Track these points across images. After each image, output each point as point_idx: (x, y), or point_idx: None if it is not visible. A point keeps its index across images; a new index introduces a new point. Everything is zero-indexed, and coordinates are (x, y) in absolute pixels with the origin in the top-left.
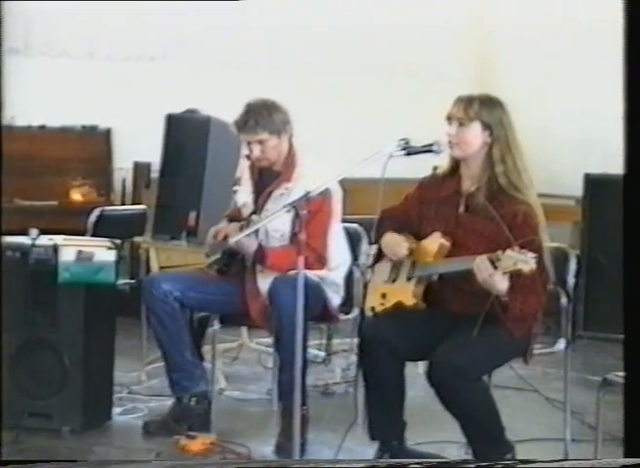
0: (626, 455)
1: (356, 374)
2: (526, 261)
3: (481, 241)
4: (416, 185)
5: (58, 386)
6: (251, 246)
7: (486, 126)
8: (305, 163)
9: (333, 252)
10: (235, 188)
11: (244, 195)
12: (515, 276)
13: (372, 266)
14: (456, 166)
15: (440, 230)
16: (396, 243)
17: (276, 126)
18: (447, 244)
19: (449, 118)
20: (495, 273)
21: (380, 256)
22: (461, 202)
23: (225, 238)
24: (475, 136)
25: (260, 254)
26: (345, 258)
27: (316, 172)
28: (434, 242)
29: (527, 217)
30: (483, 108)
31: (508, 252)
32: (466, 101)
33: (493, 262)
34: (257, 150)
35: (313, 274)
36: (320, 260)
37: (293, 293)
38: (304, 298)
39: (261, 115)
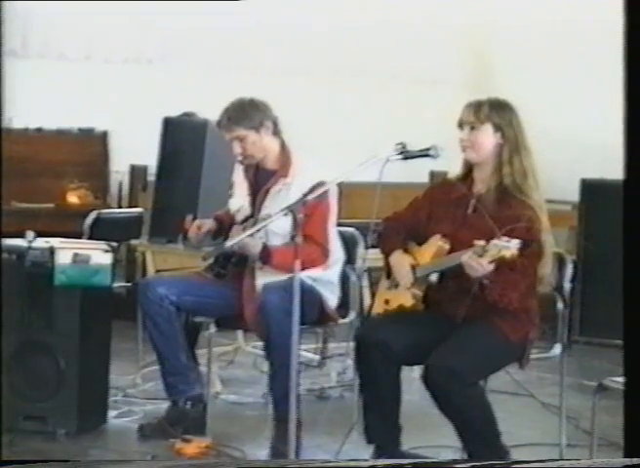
0: (626, 456)
1: (354, 378)
2: (508, 247)
3: (486, 239)
4: (422, 189)
5: (53, 389)
6: (255, 246)
7: (497, 127)
8: (302, 159)
9: (332, 246)
10: (230, 193)
11: (239, 199)
12: (501, 265)
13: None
14: (468, 170)
15: (447, 230)
16: (403, 268)
17: (252, 122)
18: (445, 246)
19: (460, 124)
20: (486, 265)
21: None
22: (471, 203)
23: (208, 232)
24: (487, 137)
25: (266, 254)
26: (340, 256)
27: (314, 167)
28: (432, 244)
29: (530, 222)
30: (493, 111)
31: (494, 241)
32: (476, 105)
33: (480, 255)
34: (237, 147)
35: (307, 276)
36: (325, 254)
37: (281, 302)
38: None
39: (236, 112)
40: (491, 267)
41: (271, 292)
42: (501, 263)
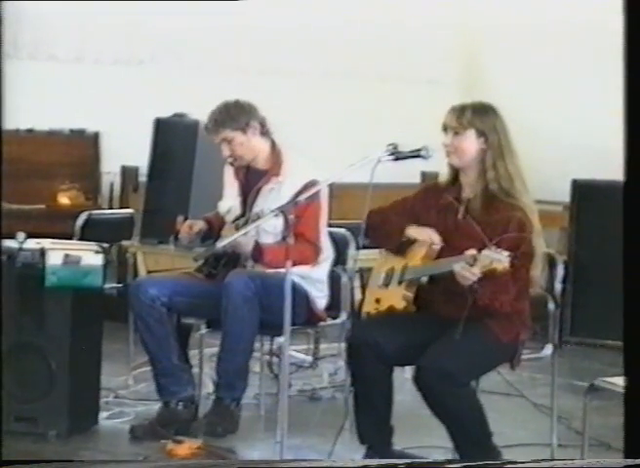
0: (626, 456)
1: (346, 379)
2: (500, 260)
3: (477, 245)
4: (414, 190)
5: (44, 390)
6: (247, 244)
7: (480, 133)
8: (293, 159)
9: (323, 243)
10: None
11: (228, 200)
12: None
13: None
14: (456, 175)
15: (441, 235)
16: (425, 230)
17: (238, 123)
18: (435, 247)
19: (444, 128)
20: (478, 273)
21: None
22: (461, 209)
23: (199, 232)
24: (470, 143)
25: (258, 252)
26: (329, 254)
27: (306, 166)
28: (423, 245)
29: (520, 224)
30: (476, 116)
31: (485, 251)
32: (459, 110)
33: (472, 264)
34: (226, 149)
35: (295, 274)
36: (316, 251)
37: (244, 289)
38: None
39: (221, 114)
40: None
41: (237, 278)
42: (493, 272)
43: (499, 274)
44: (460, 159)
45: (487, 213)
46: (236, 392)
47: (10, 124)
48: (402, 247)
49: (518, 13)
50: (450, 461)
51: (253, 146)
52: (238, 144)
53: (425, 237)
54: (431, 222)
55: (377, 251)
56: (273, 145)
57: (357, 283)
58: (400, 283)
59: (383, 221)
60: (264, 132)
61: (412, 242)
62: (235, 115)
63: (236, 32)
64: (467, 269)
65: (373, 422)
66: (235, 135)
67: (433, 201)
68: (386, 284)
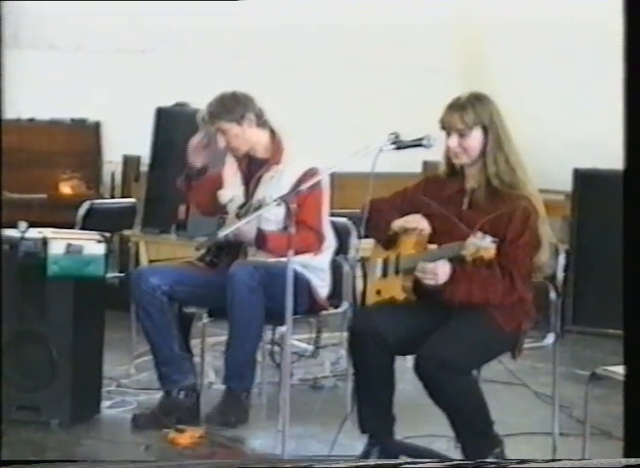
0: (626, 455)
1: (347, 368)
2: (486, 248)
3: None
4: (415, 179)
5: (46, 379)
6: (250, 232)
7: (483, 127)
8: (294, 146)
9: (326, 231)
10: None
11: (230, 190)
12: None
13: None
14: (460, 167)
15: (442, 227)
16: (414, 217)
17: (233, 115)
18: (425, 233)
19: (447, 128)
20: (439, 273)
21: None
22: (465, 200)
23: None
24: (476, 139)
25: (261, 239)
26: (332, 243)
27: (306, 154)
28: (412, 234)
29: (525, 213)
30: (476, 111)
31: (470, 239)
32: (461, 110)
33: (458, 253)
34: (221, 140)
35: (297, 262)
36: (319, 239)
37: (248, 279)
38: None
39: (217, 106)
40: (447, 269)
41: (241, 269)
42: (481, 262)
43: (486, 263)
44: (470, 157)
45: (492, 203)
46: (246, 381)
47: (11, 113)
48: (390, 240)
49: (518, 11)
50: (458, 464)
51: (248, 138)
52: (233, 136)
53: (413, 224)
54: (433, 214)
55: None
56: (273, 135)
57: (359, 272)
58: (397, 273)
59: (376, 213)
60: (261, 123)
61: (402, 233)
62: (230, 107)
63: (238, 23)
64: (425, 271)
65: (374, 412)
66: (230, 126)
67: (435, 192)
68: (384, 274)
